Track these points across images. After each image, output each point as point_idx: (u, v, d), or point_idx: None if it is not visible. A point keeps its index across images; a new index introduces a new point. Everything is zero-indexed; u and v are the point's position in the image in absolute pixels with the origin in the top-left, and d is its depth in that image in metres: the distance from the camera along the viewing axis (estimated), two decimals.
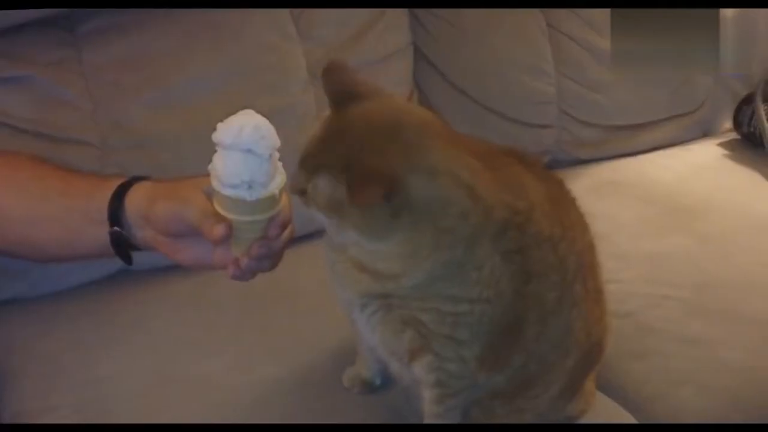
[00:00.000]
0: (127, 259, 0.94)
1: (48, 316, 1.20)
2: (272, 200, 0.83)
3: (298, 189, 0.84)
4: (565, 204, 0.97)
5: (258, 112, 0.83)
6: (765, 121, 1.68)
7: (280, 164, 0.84)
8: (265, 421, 1.01)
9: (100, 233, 0.91)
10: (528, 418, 0.99)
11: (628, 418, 1.11)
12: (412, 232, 0.82)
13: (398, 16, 1.51)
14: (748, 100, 1.74)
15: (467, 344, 0.88)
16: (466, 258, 0.84)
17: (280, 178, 0.84)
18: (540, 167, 1.00)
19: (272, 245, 0.86)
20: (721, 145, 1.77)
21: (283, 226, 0.86)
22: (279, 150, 0.83)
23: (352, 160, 0.80)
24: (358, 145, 0.81)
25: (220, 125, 0.81)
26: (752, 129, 1.73)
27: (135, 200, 0.90)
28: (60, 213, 0.93)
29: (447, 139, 0.85)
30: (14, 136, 1.20)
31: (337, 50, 1.43)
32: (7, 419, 1.05)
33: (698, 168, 1.69)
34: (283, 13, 1.39)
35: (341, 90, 0.84)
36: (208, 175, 0.83)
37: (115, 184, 0.91)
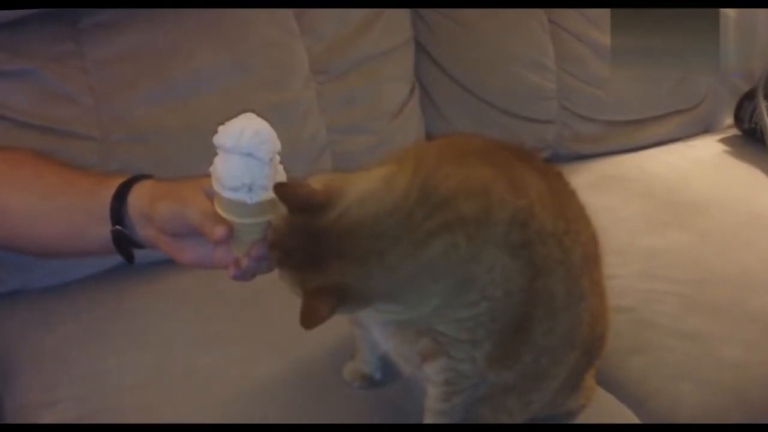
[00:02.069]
0: (130, 258, 0.94)
1: (50, 310, 1.20)
2: (273, 203, 0.83)
3: None
4: (566, 197, 0.97)
5: (259, 107, 0.83)
6: (766, 117, 1.68)
7: (281, 167, 0.84)
8: (265, 414, 1.01)
9: (102, 231, 0.91)
10: (535, 409, 0.99)
11: (627, 414, 1.11)
12: (411, 286, 0.82)
13: (399, 11, 1.51)
14: (749, 96, 1.74)
15: (480, 343, 0.88)
16: (475, 269, 0.84)
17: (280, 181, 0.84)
18: (539, 161, 1.00)
19: None
20: (722, 141, 1.77)
21: None
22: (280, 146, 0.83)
23: (299, 279, 0.81)
24: (304, 263, 0.81)
25: (221, 128, 0.81)
26: (754, 125, 1.72)
27: (137, 199, 0.90)
28: (62, 211, 0.93)
29: (411, 188, 0.81)
30: (15, 130, 1.20)
31: (338, 45, 1.43)
32: (9, 413, 1.05)
33: (699, 164, 1.69)
34: (285, 9, 1.39)
35: (297, 202, 0.82)
36: (209, 174, 0.83)
37: (116, 182, 0.91)
